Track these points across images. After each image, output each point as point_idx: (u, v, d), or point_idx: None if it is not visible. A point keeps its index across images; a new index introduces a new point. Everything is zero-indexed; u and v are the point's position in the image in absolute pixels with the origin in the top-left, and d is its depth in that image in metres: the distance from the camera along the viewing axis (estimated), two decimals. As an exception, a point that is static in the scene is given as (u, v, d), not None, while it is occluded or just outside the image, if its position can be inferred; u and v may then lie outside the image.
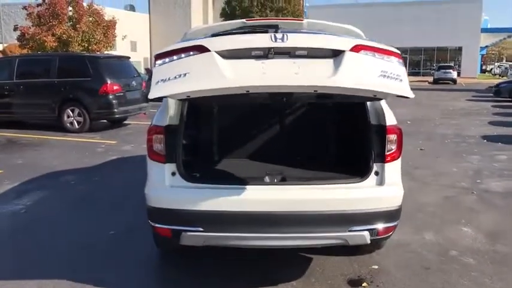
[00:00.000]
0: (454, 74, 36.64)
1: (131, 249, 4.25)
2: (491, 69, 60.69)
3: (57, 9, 21.50)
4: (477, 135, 10.63)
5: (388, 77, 2.65)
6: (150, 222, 3.41)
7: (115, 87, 11.02)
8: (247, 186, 3.30)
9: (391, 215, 3.33)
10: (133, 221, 4.74)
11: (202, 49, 2.73)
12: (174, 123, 3.40)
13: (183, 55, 2.73)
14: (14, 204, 5.53)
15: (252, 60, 2.72)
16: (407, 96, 2.63)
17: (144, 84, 12.94)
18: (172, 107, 3.45)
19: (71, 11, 22.36)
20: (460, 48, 46.32)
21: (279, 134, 4.43)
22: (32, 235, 4.62)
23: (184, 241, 3.30)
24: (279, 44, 2.71)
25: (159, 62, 2.75)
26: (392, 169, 3.39)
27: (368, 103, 3.51)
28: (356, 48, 2.76)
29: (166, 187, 3.33)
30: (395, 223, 3.39)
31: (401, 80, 2.67)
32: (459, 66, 44.90)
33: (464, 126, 12.22)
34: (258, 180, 3.43)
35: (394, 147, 3.39)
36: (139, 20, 44.43)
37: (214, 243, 3.38)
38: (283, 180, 3.46)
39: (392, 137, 3.39)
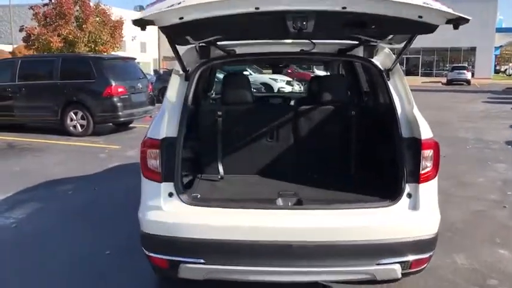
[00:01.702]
0: (468, 75, 36.10)
1: (128, 272, 3.80)
2: (506, 69, 59.70)
3: (63, 9, 21.27)
4: (500, 140, 10.03)
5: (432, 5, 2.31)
6: (144, 251, 2.95)
7: (120, 90, 10.61)
8: (257, 211, 2.82)
9: (426, 245, 2.84)
10: (131, 239, 4.27)
11: None
12: (171, 136, 2.93)
13: None
14: (5, 218, 5.12)
15: None
16: (464, 16, 2.31)
17: (150, 86, 12.52)
18: (171, 116, 2.98)
19: (77, 10, 22.07)
20: (473, 49, 45.52)
21: (294, 147, 3.87)
22: (21, 253, 4.19)
23: (183, 274, 2.83)
24: None
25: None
26: (428, 190, 2.89)
27: (399, 111, 3.01)
28: None
29: (162, 210, 2.86)
30: (430, 253, 2.89)
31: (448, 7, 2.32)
32: (473, 66, 44.10)
33: (485, 130, 11.62)
34: (269, 203, 2.94)
35: (430, 164, 2.90)
36: (149, 20, 44.24)
37: (217, 277, 2.88)
38: (299, 203, 2.96)
39: (428, 152, 2.90)
